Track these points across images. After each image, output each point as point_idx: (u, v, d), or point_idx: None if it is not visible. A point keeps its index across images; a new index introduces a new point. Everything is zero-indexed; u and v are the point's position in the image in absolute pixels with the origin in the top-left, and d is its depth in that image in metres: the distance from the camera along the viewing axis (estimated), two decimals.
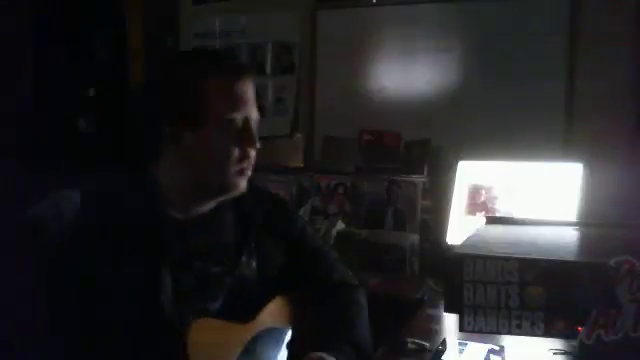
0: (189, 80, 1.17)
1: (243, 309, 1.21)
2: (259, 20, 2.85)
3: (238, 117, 1.18)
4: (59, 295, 1.08)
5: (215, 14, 2.94)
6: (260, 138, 1.23)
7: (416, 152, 2.49)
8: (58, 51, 2.89)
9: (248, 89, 1.21)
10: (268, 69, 2.85)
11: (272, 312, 1.27)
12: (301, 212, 2.49)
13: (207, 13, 2.96)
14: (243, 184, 1.23)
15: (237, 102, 1.19)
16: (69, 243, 1.10)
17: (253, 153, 1.22)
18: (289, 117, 2.79)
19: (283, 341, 1.28)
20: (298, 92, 2.80)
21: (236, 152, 1.19)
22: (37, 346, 1.08)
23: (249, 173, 1.23)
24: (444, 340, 1.38)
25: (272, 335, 1.26)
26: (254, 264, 1.27)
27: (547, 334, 0.84)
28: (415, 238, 2.33)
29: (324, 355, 1.16)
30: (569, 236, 1.14)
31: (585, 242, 1.13)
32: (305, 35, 2.78)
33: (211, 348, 1.12)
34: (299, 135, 2.74)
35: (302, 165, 2.67)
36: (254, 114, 1.22)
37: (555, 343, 1.30)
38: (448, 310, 0.90)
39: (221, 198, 1.24)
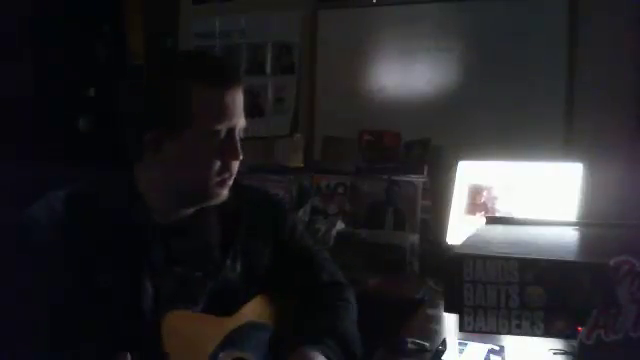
0: (173, 85, 1.13)
1: (225, 312, 1.20)
2: (259, 20, 2.85)
3: (222, 128, 1.13)
4: (50, 295, 1.08)
5: (215, 14, 2.94)
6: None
7: (416, 152, 2.49)
8: (58, 51, 2.88)
9: (235, 99, 1.15)
10: (268, 69, 2.85)
11: (254, 308, 1.25)
12: (301, 212, 2.49)
13: (207, 13, 2.95)
14: (224, 193, 1.19)
15: (223, 114, 1.13)
16: (61, 244, 1.10)
17: (235, 164, 1.18)
18: (289, 117, 2.79)
19: (265, 335, 1.25)
20: (298, 92, 2.80)
21: (217, 164, 1.15)
22: (30, 346, 1.07)
23: (230, 183, 1.19)
24: (444, 340, 1.38)
25: (253, 329, 1.23)
26: (239, 267, 1.25)
27: (547, 334, 0.84)
28: (415, 238, 2.33)
29: (310, 350, 1.14)
30: (569, 236, 1.14)
31: (585, 242, 1.13)
32: (305, 35, 2.78)
33: (188, 338, 1.10)
34: (299, 135, 2.74)
35: (302, 165, 2.67)
36: (240, 123, 1.17)
37: (555, 343, 1.30)
38: (448, 310, 0.90)
39: (200, 205, 1.21)
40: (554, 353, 1.30)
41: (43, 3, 2.91)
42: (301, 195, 2.57)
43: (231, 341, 1.18)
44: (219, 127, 1.13)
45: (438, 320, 1.66)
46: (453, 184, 2.13)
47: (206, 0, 2.97)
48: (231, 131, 1.15)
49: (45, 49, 2.88)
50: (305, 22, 2.78)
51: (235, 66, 1.25)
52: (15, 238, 1.13)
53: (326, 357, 1.15)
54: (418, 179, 2.40)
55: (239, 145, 1.17)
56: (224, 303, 1.20)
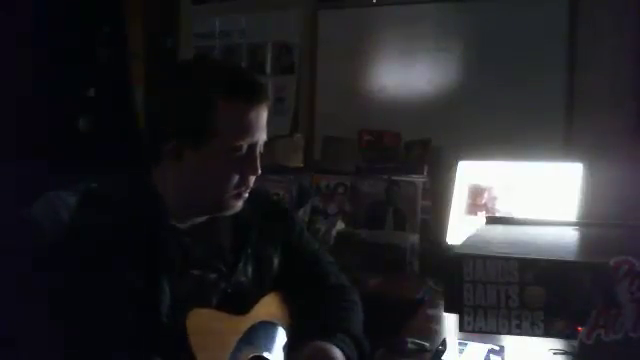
0: (200, 99, 1.12)
1: (236, 312, 1.21)
2: (259, 20, 2.85)
3: (244, 144, 1.15)
4: (55, 296, 1.08)
5: (215, 14, 2.94)
6: None
7: (416, 152, 2.49)
8: (58, 51, 2.88)
9: (260, 116, 1.17)
10: (268, 69, 2.85)
11: (266, 308, 1.27)
12: (301, 212, 2.49)
13: (207, 13, 2.96)
14: (238, 205, 1.20)
15: (246, 130, 1.14)
16: (64, 244, 1.09)
17: (253, 178, 1.19)
18: (289, 117, 2.79)
19: (278, 335, 1.27)
20: (298, 92, 2.80)
21: (236, 177, 1.16)
22: (34, 347, 1.07)
23: (246, 195, 1.20)
24: (444, 340, 1.38)
25: (268, 328, 1.25)
26: (250, 270, 1.26)
27: (547, 334, 0.84)
28: (415, 238, 2.33)
29: (326, 344, 1.16)
30: (569, 236, 1.14)
31: (585, 242, 1.13)
32: (305, 35, 2.78)
33: (209, 336, 1.11)
34: (299, 135, 2.74)
35: (302, 165, 2.67)
36: (262, 138, 1.19)
37: (555, 343, 1.30)
38: (448, 310, 0.90)
39: (214, 215, 1.23)
40: (554, 353, 1.30)
41: (43, 3, 2.91)
42: (301, 195, 2.57)
43: (248, 340, 1.19)
44: (241, 143, 1.14)
45: (438, 320, 1.66)
46: (453, 184, 2.13)
47: (206, 0, 2.98)
48: (252, 146, 1.17)
49: (45, 49, 2.87)
50: (305, 22, 2.78)
51: (262, 83, 1.25)
52: (14, 238, 1.12)
53: (340, 350, 1.17)
54: (418, 179, 2.40)
55: (259, 161, 1.18)
56: (235, 304, 1.21)
